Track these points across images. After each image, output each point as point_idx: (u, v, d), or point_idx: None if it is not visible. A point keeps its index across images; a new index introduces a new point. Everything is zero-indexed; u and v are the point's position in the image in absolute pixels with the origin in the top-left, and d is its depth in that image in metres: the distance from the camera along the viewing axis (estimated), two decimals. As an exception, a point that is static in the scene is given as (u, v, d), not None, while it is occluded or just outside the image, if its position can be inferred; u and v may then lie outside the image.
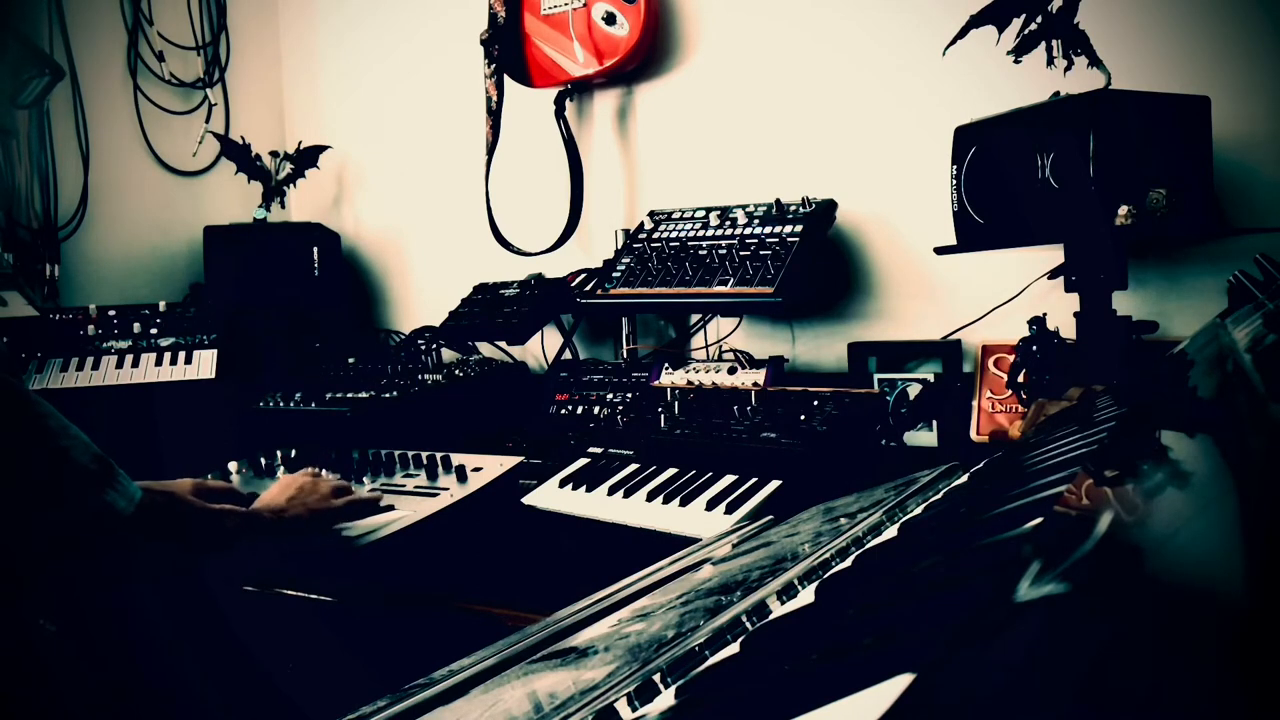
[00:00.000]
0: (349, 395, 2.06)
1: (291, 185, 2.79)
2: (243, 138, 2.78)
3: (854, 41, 2.08)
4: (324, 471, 1.76)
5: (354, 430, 1.95)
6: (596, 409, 1.97)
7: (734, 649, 0.51)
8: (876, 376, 1.95)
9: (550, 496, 1.53)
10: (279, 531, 1.36)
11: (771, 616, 0.56)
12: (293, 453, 1.87)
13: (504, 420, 2.09)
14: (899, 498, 0.85)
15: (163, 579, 1.30)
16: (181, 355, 2.40)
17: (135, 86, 2.76)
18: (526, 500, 1.55)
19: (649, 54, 2.31)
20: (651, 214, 2.18)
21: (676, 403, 1.68)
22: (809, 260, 1.86)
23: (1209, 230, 1.60)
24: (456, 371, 2.20)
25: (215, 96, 2.92)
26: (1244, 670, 0.25)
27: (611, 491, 1.48)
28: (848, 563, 0.64)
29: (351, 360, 2.35)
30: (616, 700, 0.47)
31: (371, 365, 2.29)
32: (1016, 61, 1.53)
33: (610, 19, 2.25)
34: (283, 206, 2.90)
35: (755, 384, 1.80)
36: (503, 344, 2.39)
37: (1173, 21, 1.73)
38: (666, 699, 0.47)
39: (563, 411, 2.02)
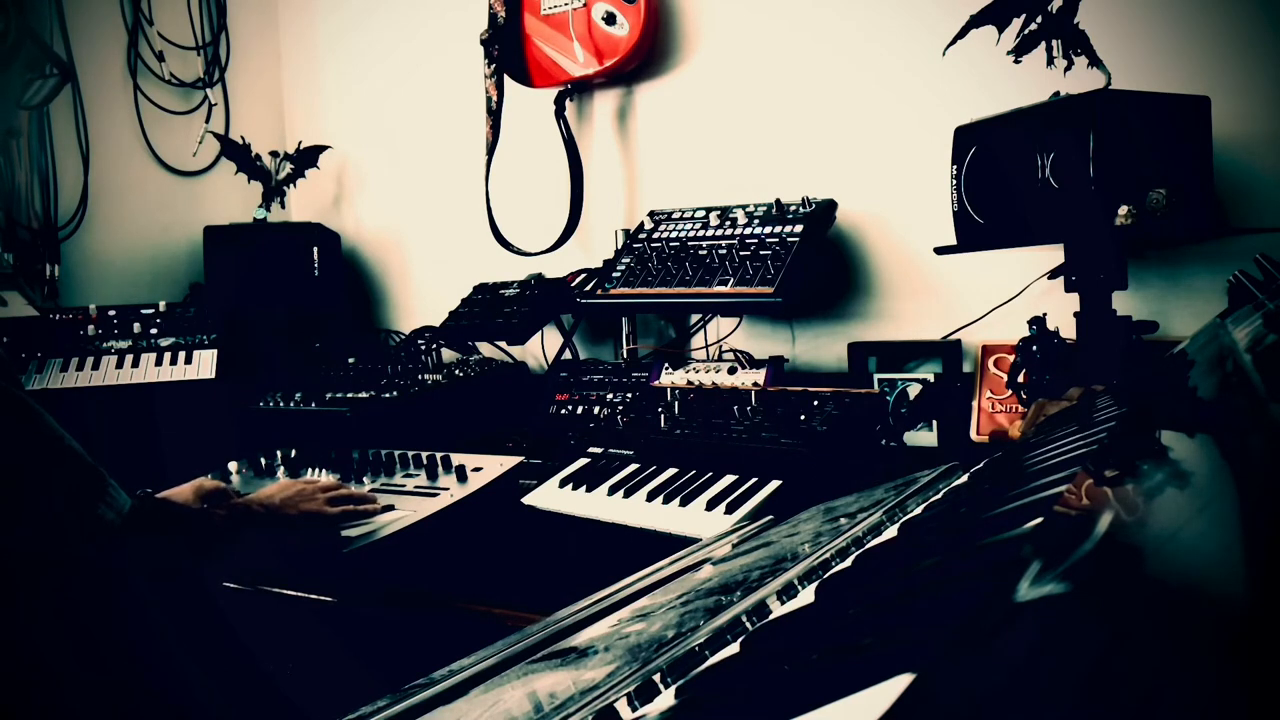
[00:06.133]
0: (349, 395, 2.06)
1: (291, 185, 2.79)
2: (243, 138, 2.78)
3: (854, 41, 2.08)
4: (323, 473, 1.77)
5: (354, 430, 1.95)
6: (596, 409, 1.97)
7: (734, 649, 0.51)
8: (876, 376, 1.95)
9: (550, 496, 1.53)
10: (270, 522, 1.37)
11: (771, 616, 0.56)
12: (293, 453, 1.87)
13: (504, 420, 2.09)
14: (899, 498, 0.85)
15: (163, 579, 1.30)
16: (181, 355, 2.41)
17: (135, 86, 2.76)
18: (526, 500, 1.55)
19: (649, 54, 2.31)
20: (651, 214, 2.18)
21: (676, 403, 1.68)
22: (809, 260, 1.86)
23: (1209, 230, 1.60)
24: (456, 371, 2.20)
25: (215, 96, 2.92)
26: (1244, 670, 0.25)
27: (611, 491, 1.48)
28: (848, 563, 0.64)
29: (351, 360, 2.35)
30: (616, 700, 0.47)
31: (371, 365, 2.29)
32: (1016, 61, 1.53)
33: (610, 19, 2.25)
34: (283, 206, 2.90)
35: (755, 384, 1.80)
36: (503, 344, 2.39)
37: (1173, 21, 1.73)
38: (666, 699, 0.47)
39: (563, 411, 2.02)
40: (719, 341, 2.18)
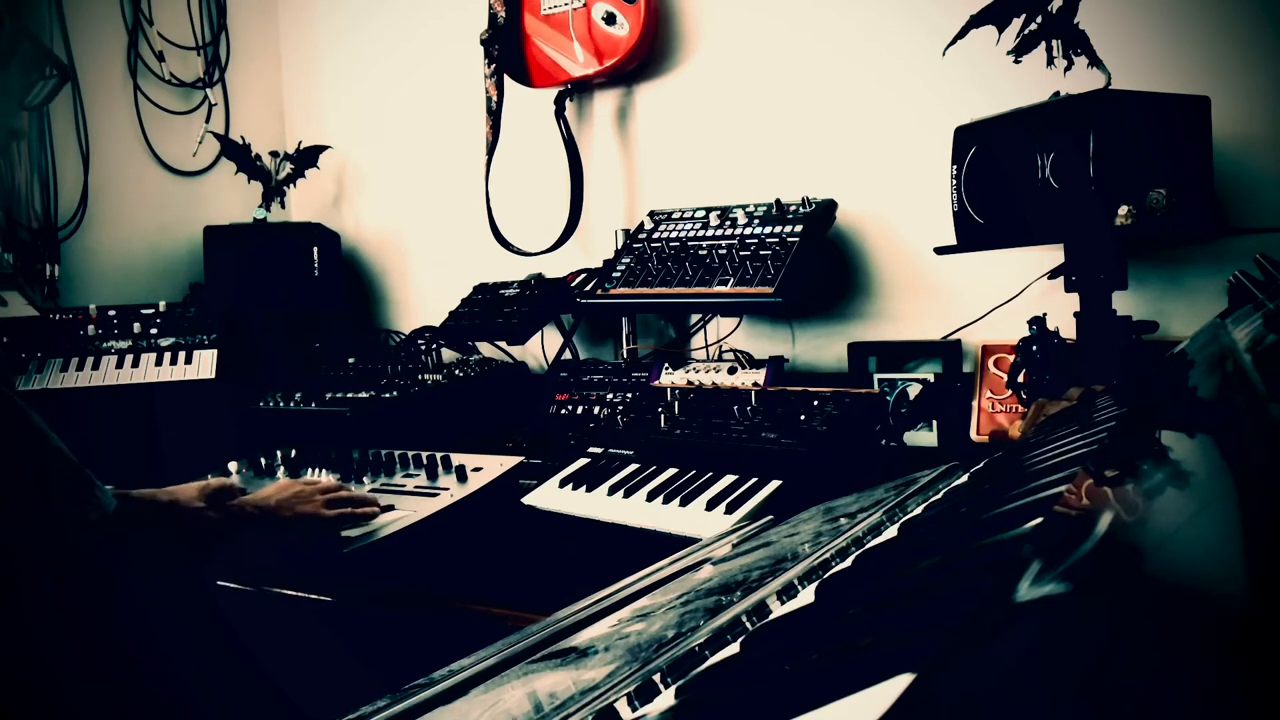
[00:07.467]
0: (349, 395, 2.06)
1: (291, 185, 2.79)
2: (243, 138, 2.78)
3: (854, 42, 2.08)
4: (324, 473, 1.77)
5: (354, 430, 1.95)
6: (596, 409, 1.97)
7: (734, 649, 0.51)
8: (876, 376, 1.95)
9: (550, 496, 1.53)
10: (266, 525, 1.36)
11: (771, 616, 0.56)
12: (293, 453, 1.87)
13: (504, 420, 2.09)
14: (899, 498, 0.85)
15: (163, 578, 1.30)
16: (181, 355, 2.40)
17: (135, 86, 2.76)
18: (526, 500, 1.55)
19: (649, 54, 2.31)
20: (651, 214, 2.18)
21: (676, 403, 1.68)
22: (809, 260, 1.86)
23: (1209, 230, 1.60)
24: (456, 371, 2.20)
25: (215, 96, 2.92)
26: (1244, 670, 0.25)
27: (611, 491, 1.48)
28: (848, 563, 0.64)
29: (351, 360, 2.34)
30: (616, 700, 0.47)
31: (371, 365, 2.29)
32: (1016, 61, 1.53)
33: (610, 19, 2.25)
34: (283, 206, 2.89)
35: (755, 384, 1.80)
36: (503, 344, 2.39)
37: (1173, 21, 1.73)
38: (666, 699, 0.47)
39: (563, 411, 2.02)
40: (719, 341, 2.18)
